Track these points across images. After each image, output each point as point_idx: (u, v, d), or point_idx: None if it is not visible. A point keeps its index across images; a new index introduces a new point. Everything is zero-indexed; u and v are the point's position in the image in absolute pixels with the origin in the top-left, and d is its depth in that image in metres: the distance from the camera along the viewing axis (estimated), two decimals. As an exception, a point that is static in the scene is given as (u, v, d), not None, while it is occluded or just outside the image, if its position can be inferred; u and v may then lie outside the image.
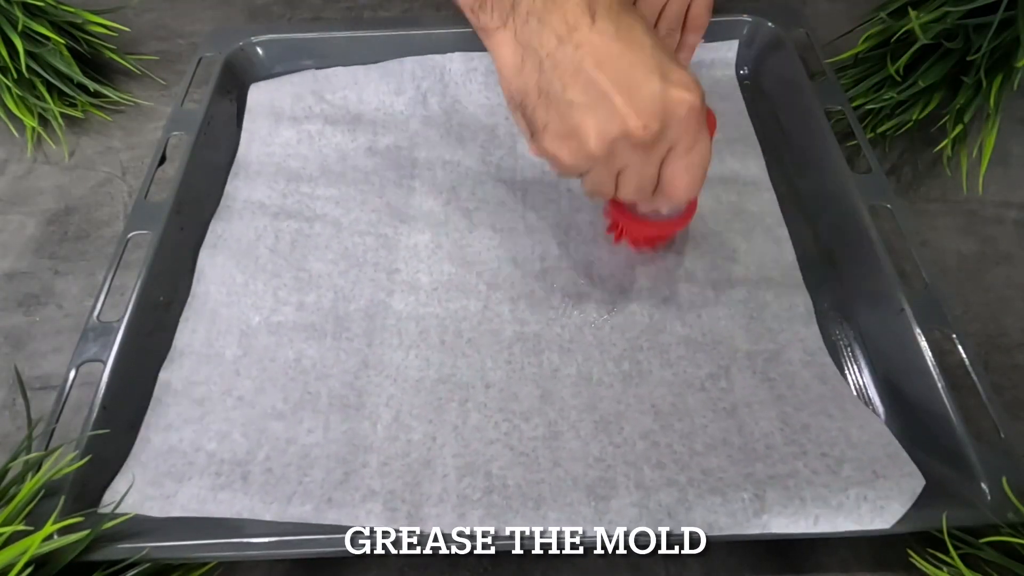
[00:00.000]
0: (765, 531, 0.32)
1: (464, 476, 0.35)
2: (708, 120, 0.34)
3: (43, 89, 0.53)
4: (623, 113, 0.30)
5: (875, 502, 0.32)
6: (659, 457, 0.35)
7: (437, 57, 0.53)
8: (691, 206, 0.40)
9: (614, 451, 0.35)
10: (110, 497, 0.34)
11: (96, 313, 0.39)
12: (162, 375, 0.39)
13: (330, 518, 0.33)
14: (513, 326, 0.41)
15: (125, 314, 0.39)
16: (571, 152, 0.32)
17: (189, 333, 0.41)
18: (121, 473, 0.35)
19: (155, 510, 0.34)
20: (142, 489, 0.34)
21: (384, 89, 0.53)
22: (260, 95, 0.53)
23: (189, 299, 0.43)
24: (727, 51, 0.54)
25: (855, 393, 0.39)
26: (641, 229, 0.41)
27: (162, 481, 0.35)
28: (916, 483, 0.33)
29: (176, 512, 0.34)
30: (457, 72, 0.53)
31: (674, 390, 0.38)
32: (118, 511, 0.33)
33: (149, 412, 0.38)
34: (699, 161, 0.33)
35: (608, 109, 0.30)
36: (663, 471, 0.34)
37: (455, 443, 0.36)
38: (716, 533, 0.32)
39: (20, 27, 0.50)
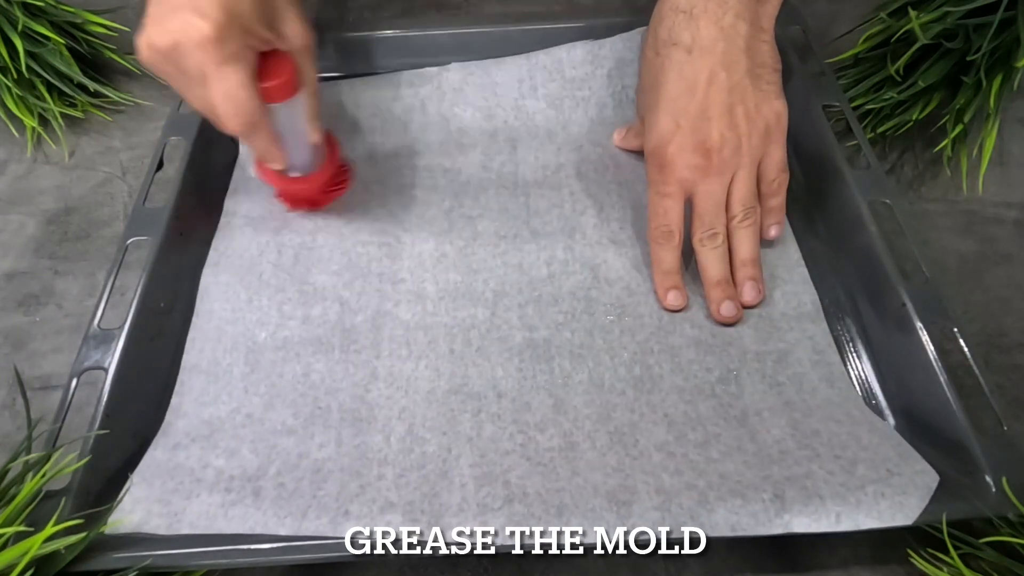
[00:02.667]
0: (788, 531, 0.32)
1: (483, 486, 0.34)
2: (278, 63, 0.37)
3: (43, 89, 0.53)
4: (153, 23, 0.34)
5: (893, 498, 0.32)
6: (676, 465, 0.35)
7: (432, 69, 0.53)
8: (327, 168, 0.44)
9: (631, 462, 0.35)
10: (113, 508, 0.34)
11: (97, 320, 0.39)
12: (174, 400, 0.39)
13: (348, 529, 0.32)
14: (522, 332, 0.41)
15: (126, 321, 0.39)
16: (138, 46, 0.35)
17: (196, 353, 0.41)
18: (126, 489, 0.35)
19: (162, 528, 0.33)
20: (148, 507, 0.34)
21: (382, 97, 0.53)
22: None
23: (194, 318, 0.42)
24: None
25: (859, 389, 0.39)
26: (280, 184, 0.44)
27: (169, 499, 0.34)
28: (931, 479, 0.33)
29: (185, 530, 0.33)
30: (454, 80, 0.53)
31: (685, 397, 0.38)
32: (123, 516, 0.33)
33: (159, 434, 0.38)
34: (227, 91, 0.35)
35: (151, 18, 0.34)
36: (681, 477, 0.34)
37: (471, 454, 0.36)
38: (740, 534, 0.32)
39: (20, 27, 0.50)
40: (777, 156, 0.42)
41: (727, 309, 0.41)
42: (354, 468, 0.35)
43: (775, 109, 0.41)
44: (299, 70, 0.38)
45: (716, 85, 0.40)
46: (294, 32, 0.38)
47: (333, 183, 0.45)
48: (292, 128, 0.40)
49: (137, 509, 0.34)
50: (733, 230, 0.42)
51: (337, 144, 0.45)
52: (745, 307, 0.42)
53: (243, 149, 0.46)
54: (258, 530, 0.33)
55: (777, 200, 0.43)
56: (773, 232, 0.44)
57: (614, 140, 0.51)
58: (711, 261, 0.41)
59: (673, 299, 0.42)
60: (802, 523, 0.32)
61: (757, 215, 0.42)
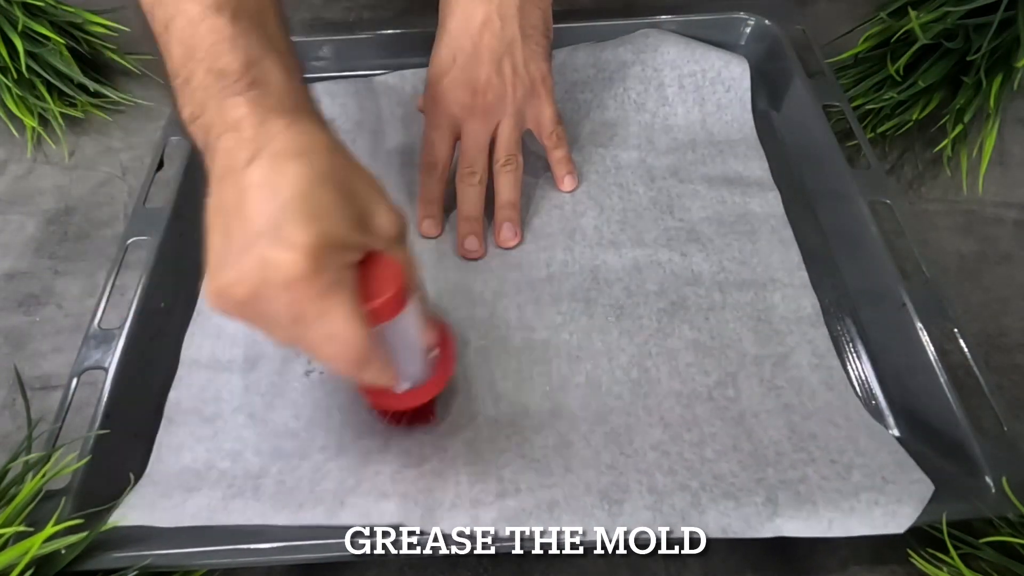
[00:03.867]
0: (778, 534, 0.32)
1: (476, 483, 0.34)
2: (384, 275, 0.29)
3: (43, 89, 0.53)
4: (222, 267, 0.27)
5: (886, 506, 0.32)
6: (670, 465, 0.35)
7: None
8: (441, 371, 0.35)
9: (625, 460, 0.35)
10: (113, 507, 0.34)
11: (97, 320, 0.39)
12: (172, 394, 0.39)
13: (343, 518, 0.33)
14: (521, 333, 0.41)
15: (126, 321, 0.39)
16: (207, 288, 0.28)
17: (195, 349, 0.41)
18: (129, 488, 0.35)
19: (164, 520, 0.33)
20: (152, 501, 0.34)
21: (384, 99, 0.53)
22: None
23: (194, 315, 0.42)
24: (740, 72, 0.52)
25: (858, 389, 0.39)
26: (390, 404, 0.36)
27: (172, 494, 0.34)
28: (925, 489, 0.33)
29: (186, 521, 0.33)
30: None
31: (682, 401, 0.38)
32: (125, 515, 0.33)
33: (160, 432, 0.38)
34: (331, 331, 0.27)
35: (219, 259, 0.27)
36: (675, 477, 0.34)
37: (466, 453, 0.36)
38: (731, 536, 0.32)
39: (20, 27, 0.50)
40: (548, 112, 0.46)
41: (470, 243, 0.45)
42: (352, 467, 0.36)
43: (541, 69, 0.45)
44: (404, 270, 0.30)
45: (490, 31, 0.43)
46: (387, 222, 0.29)
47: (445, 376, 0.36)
48: (403, 341, 0.32)
49: (140, 506, 0.34)
50: (496, 173, 0.45)
51: (448, 331, 0.36)
52: (501, 247, 0.45)
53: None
54: (256, 521, 0.33)
55: (561, 151, 0.47)
56: (567, 183, 0.48)
57: (417, 104, 0.49)
58: (466, 197, 0.45)
59: (428, 227, 0.46)
60: (793, 527, 0.32)
61: (519, 164, 0.45)
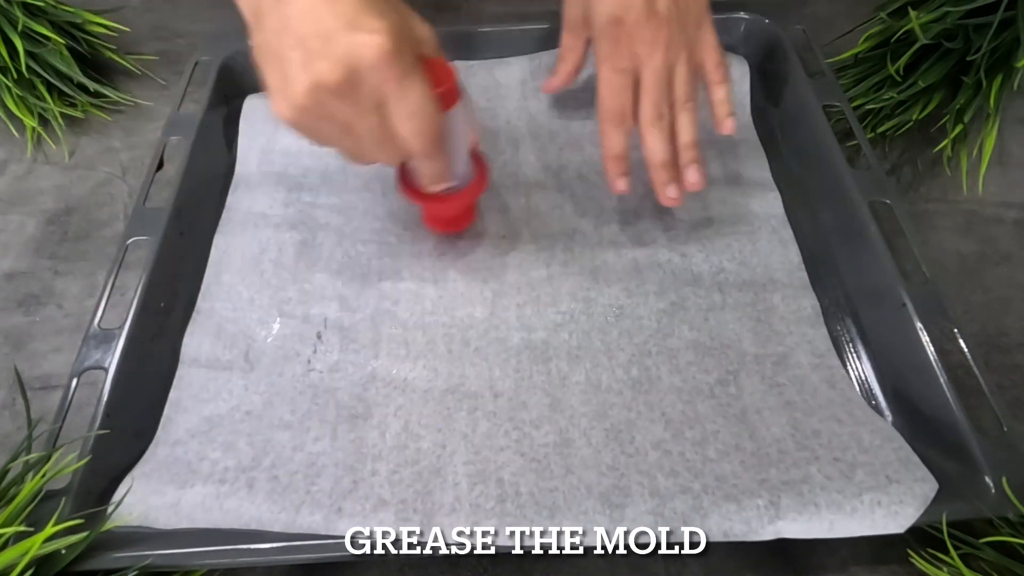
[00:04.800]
0: (779, 536, 0.32)
1: (476, 484, 0.34)
2: (439, 70, 0.34)
3: (43, 89, 0.53)
4: (314, 61, 0.30)
5: (889, 507, 0.32)
6: (672, 465, 0.35)
7: None
8: (479, 177, 0.41)
9: (626, 460, 0.35)
10: (113, 507, 0.34)
11: (97, 320, 0.39)
12: (172, 394, 0.39)
13: (340, 528, 0.33)
14: (520, 333, 0.41)
15: (126, 321, 0.39)
16: (286, 104, 0.32)
17: (195, 348, 0.41)
18: (124, 483, 0.35)
19: (160, 521, 0.33)
20: (146, 499, 0.34)
21: None
22: (258, 105, 0.52)
23: (194, 314, 0.42)
24: (739, 73, 0.52)
25: (859, 389, 0.39)
26: (437, 205, 0.41)
27: (164, 490, 0.34)
28: (929, 487, 0.33)
29: (183, 524, 0.33)
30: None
31: (683, 397, 0.38)
32: (122, 511, 0.33)
33: (160, 429, 0.38)
34: (414, 108, 0.32)
35: (305, 59, 0.31)
36: (677, 479, 0.34)
37: (465, 451, 0.36)
38: (732, 539, 0.32)
39: (20, 27, 0.50)
40: (713, 42, 0.43)
41: (673, 191, 0.41)
42: (348, 463, 0.36)
43: (702, 1, 0.42)
44: (454, 70, 0.35)
45: None
46: (425, 31, 0.35)
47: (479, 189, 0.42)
48: (455, 135, 0.37)
49: (136, 504, 0.34)
50: (677, 112, 0.42)
51: (479, 147, 0.42)
52: (689, 191, 0.42)
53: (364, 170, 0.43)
54: (252, 526, 0.33)
55: (724, 90, 0.43)
56: (728, 124, 0.43)
57: (547, 86, 0.49)
58: (660, 143, 0.41)
59: (624, 184, 0.42)
60: (794, 530, 0.32)
61: (697, 101, 0.42)
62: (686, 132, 0.42)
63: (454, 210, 0.43)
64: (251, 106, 0.52)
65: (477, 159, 0.41)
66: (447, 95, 0.35)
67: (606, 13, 0.41)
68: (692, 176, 0.42)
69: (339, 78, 0.30)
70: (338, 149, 0.35)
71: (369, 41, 0.30)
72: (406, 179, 0.40)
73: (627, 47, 0.41)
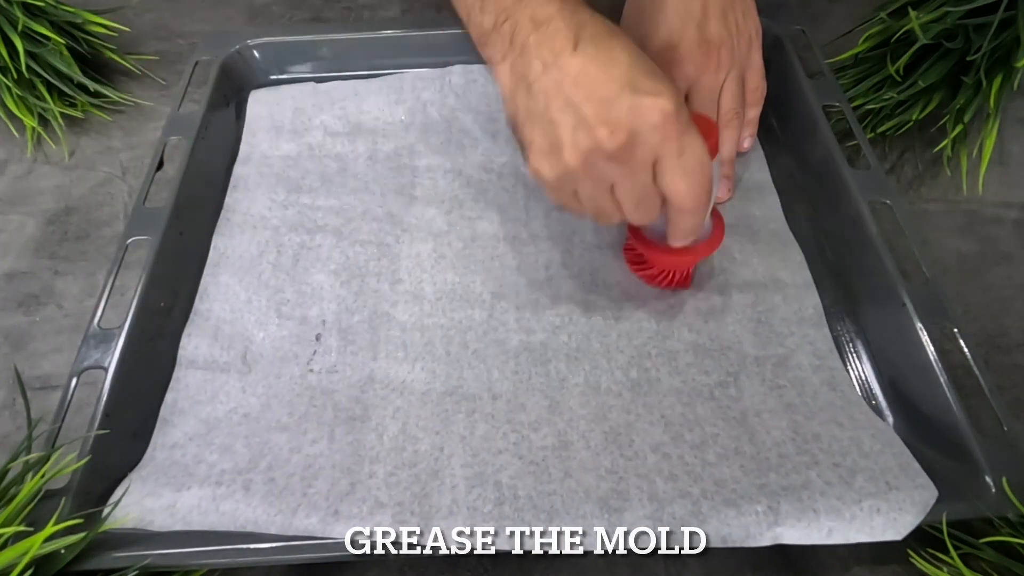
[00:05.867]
0: (777, 542, 0.32)
1: (474, 487, 0.34)
2: (705, 124, 0.34)
3: (43, 89, 0.53)
4: (592, 124, 0.31)
5: (888, 514, 0.32)
6: (671, 469, 0.35)
7: (435, 71, 0.53)
8: (717, 231, 0.40)
9: (625, 463, 0.35)
10: (110, 509, 0.34)
11: (97, 320, 0.39)
12: (168, 396, 0.39)
13: (337, 531, 0.33)
14: (519, 335, 0.41)
15: (126, 320, 0.39)
16: (551, 166, 0.34)
17: (192, 349, 0.41)
18: (122, 485, 0.35)
19: (156, 524, 0.33)
20: (142, 502, 0.34)
21: (384, 99, 0.53)
22: (259, 107, 0.52)
23: (192, 315, 0.42)
24: None
25: (859, 389, 0.39)
26: (676, 260, 0.40)
27: (160, 492, 0.34)
28: (928, 495, 0.33)
29: (179, 526, 0.33)
30: (457, 84, 0.53)
31: (683, 399, 0.38)
32: (119, 514, 0.33)
33: (156, 432, 0.38)
34: (694, 165, 0.33)
35: (580, 123, 0.32)
36: (676, 483, 0.34)
37: (463, 453, 0.36)
38: (730, 545, 0.32)
39: (20, 27, 0.50)
40: (759, 64, 0.46)
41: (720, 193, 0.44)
42: (345, 465, 0.36)
43: (756, 22, 0.46)
44: (712, 121, 0.36)
45: None
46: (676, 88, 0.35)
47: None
48: (713, 188, 0.37)
49: (132, 507, 0.34)
50: (722, 127, 0.44)
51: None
52: (717, 202, 0.44)
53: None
54: (249, 528, 0.33)
55: (756, 111, 0.47)
56: (747, 143, 0.48)
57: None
58: None
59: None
60: (793, 536, 0.32)
61: (741, 118, 0.45)
62: (727, 146, 0.44)
63: (693, 263, 0.42)
64: (254, 107, 0.52)
65: (718, 216, 0.41)
66: (715, 144, 0.36)
67: (661, 39, 0.43)
68: (720, 191, 0.45)
69: (621, 142, 0.31)
70: (587, 210, 0.36)
71: (653, 104, 0.31)
72: (638, 238, 0.40)
73: (680, 69, 0.43)
